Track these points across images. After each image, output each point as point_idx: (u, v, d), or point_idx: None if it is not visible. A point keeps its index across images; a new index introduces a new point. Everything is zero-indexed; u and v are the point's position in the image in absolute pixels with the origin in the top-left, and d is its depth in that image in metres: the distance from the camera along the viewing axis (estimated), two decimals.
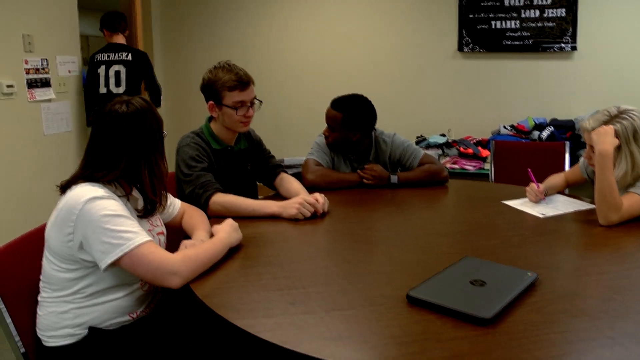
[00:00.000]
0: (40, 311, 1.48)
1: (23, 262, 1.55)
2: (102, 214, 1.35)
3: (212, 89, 2.12)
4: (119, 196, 1.46)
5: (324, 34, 4.83)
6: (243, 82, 2.10)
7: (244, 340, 1.17)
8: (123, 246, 1.35)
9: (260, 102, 2.20)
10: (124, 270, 1.41)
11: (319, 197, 2.03)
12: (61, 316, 1.44)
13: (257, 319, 1.21)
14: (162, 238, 1.63)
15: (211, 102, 2.14)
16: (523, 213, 2.06)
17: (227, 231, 1.60)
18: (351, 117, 2.42)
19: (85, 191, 1.39)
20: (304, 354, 1.07)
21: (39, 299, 1.49)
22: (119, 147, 1.45)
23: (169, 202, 1.79)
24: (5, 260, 1.49)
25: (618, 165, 1.92)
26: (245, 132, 2.25)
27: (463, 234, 1.84)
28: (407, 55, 4.65)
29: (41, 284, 1.49)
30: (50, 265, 1.44)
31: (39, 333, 1.47)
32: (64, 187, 1.45)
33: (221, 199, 2.00)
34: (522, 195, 2.26)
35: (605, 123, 1.91)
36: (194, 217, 1.80)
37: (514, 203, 2.19)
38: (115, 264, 1.37)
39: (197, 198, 2.00)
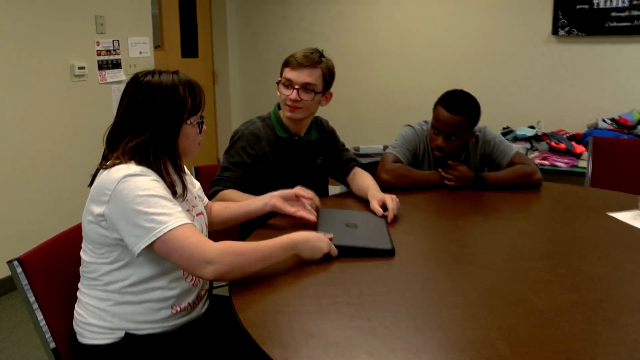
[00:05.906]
0: (77, 306, 1.39)
1: (64, 258, 1.47)
2: (135, 195, 1.24)
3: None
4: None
5: (405, 18, 4.51)
6: (297, 60, 1.93)
7: None
8: (156, 230, 1.23)
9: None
10: (162, 257, 1.29)
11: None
12: (98, 309, 1.34)
13: (306, 357, 1.00)
14: (203, 219, 1.49)
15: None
16: (635, 230, 1.72)
17: (306, 237, 1.40)
18: (475, 117, 2.18)
19: (119, 169, 1.28)
20: None
21: (77, 294, 1.40)
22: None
23: None
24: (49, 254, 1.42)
25: None
26: (290, 118, 1.99)
27: (561, 257, 1.53)
28: (495, 40, 4.24)
29: (81, 275, 1.39)
30: (87, 255, 1.34)
31: (75, 328, 1.39)
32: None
33: (223, 197, 1.87)
34: (632, 205, 1.91)
35: None
36: None
37: (622, 216, 1.84)
38: (149, 249, 1.25)
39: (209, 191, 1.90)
